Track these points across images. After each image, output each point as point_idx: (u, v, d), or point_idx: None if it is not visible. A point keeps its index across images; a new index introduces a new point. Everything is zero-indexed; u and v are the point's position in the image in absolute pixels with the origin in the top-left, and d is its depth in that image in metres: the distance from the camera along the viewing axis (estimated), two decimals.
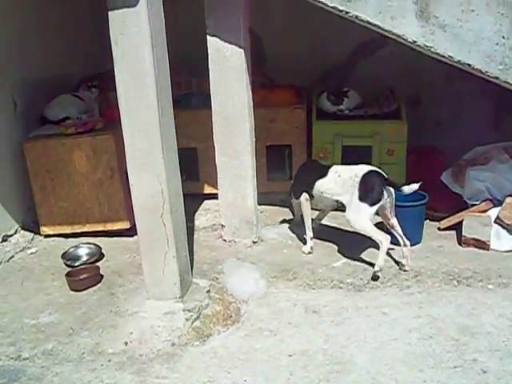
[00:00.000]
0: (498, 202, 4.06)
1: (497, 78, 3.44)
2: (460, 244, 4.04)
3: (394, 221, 3.77)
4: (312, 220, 4.17)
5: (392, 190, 3.67)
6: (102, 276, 3.77)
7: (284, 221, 4.59)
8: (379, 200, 3.60)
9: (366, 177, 3.65)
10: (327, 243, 4.14)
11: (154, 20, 2.98)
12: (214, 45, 3.80)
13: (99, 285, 3.69)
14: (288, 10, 4.16)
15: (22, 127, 4.39)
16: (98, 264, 3.93)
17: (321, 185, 3.91)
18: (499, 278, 3.59)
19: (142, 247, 3.28)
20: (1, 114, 4.26)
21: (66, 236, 4.37)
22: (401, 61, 5.04)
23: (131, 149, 3.11)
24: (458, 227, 4.13)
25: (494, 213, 4.01)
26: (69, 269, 3.87)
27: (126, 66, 3.01)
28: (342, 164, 4.50)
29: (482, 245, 3.94)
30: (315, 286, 3.61)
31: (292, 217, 4.54)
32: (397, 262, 3.82)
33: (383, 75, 5.18)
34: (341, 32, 4.83)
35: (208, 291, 3.44)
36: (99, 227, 4.29)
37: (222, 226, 4.18)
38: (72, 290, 3.63)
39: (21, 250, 4.22)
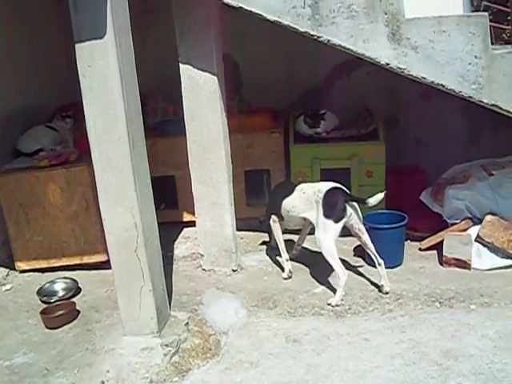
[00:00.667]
0: (477, 220, 4.04)
1: (470, 97, 3.43)
2: (441, 264, 4.01)
3: (365, 238, 3.73)
4: (293, 244, 4.19)
5: (356, 206, 3.67)
6: (79, 312, 3.68)
7: (264, 243, 4.56)
8: (343, 216, 3.57)
9: (329, 193, 3.65)
10: (308, 268, 4.09)
11: (122, 51, 2.94)
12: (187, 72, 3.77)
13: (75, 321, 3.58)
14: (263, 35, 4.16)
15: None
16: (74, 299, 3.83)
17: (287, 203, 3.93)
18: (481, 298, 3.56)
19: (116, 282, 3.21)
20: None
21: (43, 271, 4.28)
22: (378, 81, 5.04)
23: (102, 183, 3.06)
24: (438, 247, 4.10)
25: (474, 231, 3.99)
26: (44, 305, 3.77)
27: (94, 98, 2.96)
28: None
29: (463, 264, 3.91)
30: (296, 313, 3.55)
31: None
32: (377, 286, 3.77)
33: (361, 96, 5.18)
34: (316, 54, 4.83)
35: (186, 324, 3.36)
36: (76, 260, 4.21)
37: (201, 255, 4.11)
38: (47, 327, 3.53)
39: None
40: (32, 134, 4.50)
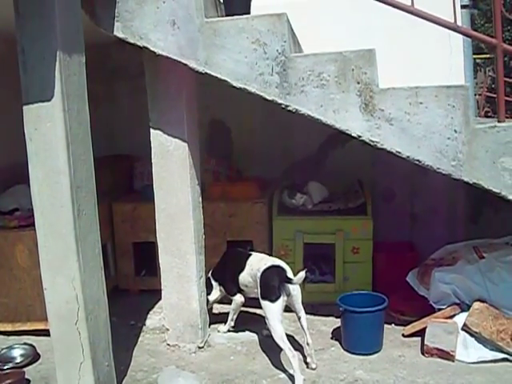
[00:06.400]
0: (466, 307, 3.71)
1: (450, 175, 3.18)
2: (423, 354, 3.66)
3: (301, 316, 3.57)
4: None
5: (294, 286, 3.48)
6: (29, 381, 3.50)
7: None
8: (279, 296, 3.41)
9: (266, 272, 3.53)
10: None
11: (71, 116, 2.85)
12: (157, 138, 3.65)
13: None
14: (257, 102, 4.07)
15: None
16: (29, 367, 3.66)
17: (243, 278, 3.85)
18: None
19: (56, 356, 3.02)
20: None
21: (8, 334, 4.13)
22: (373, 152, 4.82)
23: (44, 250, 2.92)
24: (423, 334, 3.76)
25: (461, 319, 3.65)
26: None
27: (39, 162, 2.87)
28: (304, 261, 4.31)
29: (446, 355, 3.56)
30: None
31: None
32: (349, 374, 3.46)
33: (355, 167, 4.96)
34: (310, 123, 4.68)
35: None
36: (41, 326, 3.99)
37: (167, 329, 3.88)
38: None
39: None
40: (11, 193, 4.42)
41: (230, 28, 3.16)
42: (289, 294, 3.45)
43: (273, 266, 3.55)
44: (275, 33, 3.12)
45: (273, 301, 3.40)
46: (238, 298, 3.99)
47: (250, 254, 3.90)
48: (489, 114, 10.17)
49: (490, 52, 11.03)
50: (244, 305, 4.10)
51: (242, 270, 3.82)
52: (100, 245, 3.13)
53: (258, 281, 3.54)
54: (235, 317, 4.08)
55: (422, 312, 3.92)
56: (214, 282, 4.12)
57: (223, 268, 4.09)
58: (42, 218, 2.90)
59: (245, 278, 3.81)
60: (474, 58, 7.96)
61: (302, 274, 3.39)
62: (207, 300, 4.05)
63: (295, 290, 3.49)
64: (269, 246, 4.56)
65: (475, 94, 9.94)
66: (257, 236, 4.56)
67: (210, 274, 4.13)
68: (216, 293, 4.11)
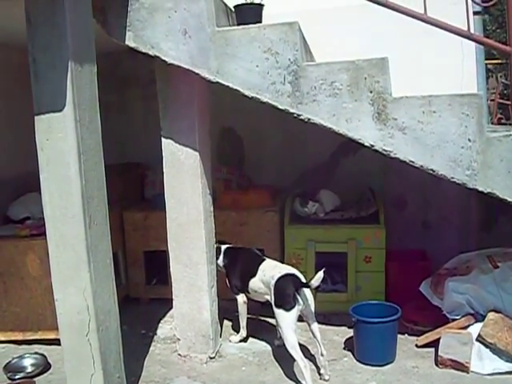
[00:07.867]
0: (480, 317, 3.66)
1: (464, 184, 3.14)
2: (437, 364, 3.61)
3: (313, 327, 3.53)
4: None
5: (308, 295, 3.45)
6: None
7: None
8: (294, 305, 3.36)
9: (280, 281, 3.49)
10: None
11: (83, 125, 2.83)
12: (168, 147, 3.64)
13: None
14: (269, 110, 4.11)
15: None
16: (40, 377, 3.66)
17: (253, 283, 3.81)
18: None
19: (66, 367, 3.00)
20: None
21: (19, 343, 4.13)
22: (385, 160, 4.78)
23: (56, 261, 2.90)
24: (437, 344, 3.72)
25: (475, 329, 3.60)
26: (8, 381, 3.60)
27: (51, 173, 2.85)
28: (316, 270, 4.26)
29: (461, 366, 3.51)
30: None
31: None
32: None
33: (366, 175, 4.94)
34: (321, 131, 4.66)
35: None
36: (51, 335, 3.97)
37: (178, 339, 3.86)
38: None
39: None
40: (22, 201, 4.45)
41: (242, 37, 3.14)
42: (303, 303, 3.40)
43: (288, 275, 3.51)
44: (287, 42, 3.10)
45: (287, 310, 3.36)
46: (241, 299, 3.97)
47: (264, 259, 3.86)
48: (502, 121, 10.08)
49: (503, 59, 10.95)
50: (256, 313, 4.08)
51: (254, 274, 3.77)
52: (111, 254, 3.11)
53: (272, 288, 3.50)
54: (245, 324, 4.04)
55: (435, 322, 3.88)
56: (222, 257, 4.08)
57: (234, 263, 4.05)
58: (54, 229, 2.88)
59: (255, 283, 3.77)
60: (486, 64, 7.90)
61: (321, 274, 3.34)
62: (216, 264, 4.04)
63: (309, 299, 3.46)
64: (280, 254, 4.53)
65: (487, 100, 9.86)
66: (268, 245, 4.53)
67: (223, 248, 4.11)
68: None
